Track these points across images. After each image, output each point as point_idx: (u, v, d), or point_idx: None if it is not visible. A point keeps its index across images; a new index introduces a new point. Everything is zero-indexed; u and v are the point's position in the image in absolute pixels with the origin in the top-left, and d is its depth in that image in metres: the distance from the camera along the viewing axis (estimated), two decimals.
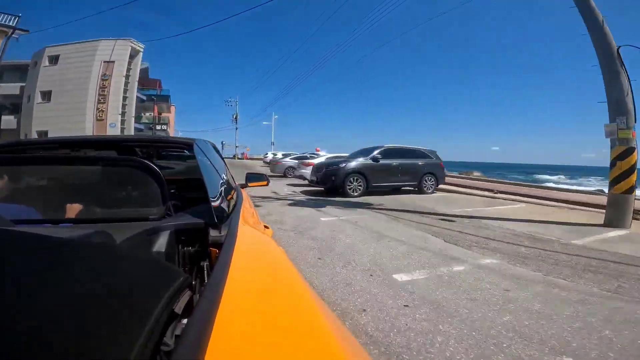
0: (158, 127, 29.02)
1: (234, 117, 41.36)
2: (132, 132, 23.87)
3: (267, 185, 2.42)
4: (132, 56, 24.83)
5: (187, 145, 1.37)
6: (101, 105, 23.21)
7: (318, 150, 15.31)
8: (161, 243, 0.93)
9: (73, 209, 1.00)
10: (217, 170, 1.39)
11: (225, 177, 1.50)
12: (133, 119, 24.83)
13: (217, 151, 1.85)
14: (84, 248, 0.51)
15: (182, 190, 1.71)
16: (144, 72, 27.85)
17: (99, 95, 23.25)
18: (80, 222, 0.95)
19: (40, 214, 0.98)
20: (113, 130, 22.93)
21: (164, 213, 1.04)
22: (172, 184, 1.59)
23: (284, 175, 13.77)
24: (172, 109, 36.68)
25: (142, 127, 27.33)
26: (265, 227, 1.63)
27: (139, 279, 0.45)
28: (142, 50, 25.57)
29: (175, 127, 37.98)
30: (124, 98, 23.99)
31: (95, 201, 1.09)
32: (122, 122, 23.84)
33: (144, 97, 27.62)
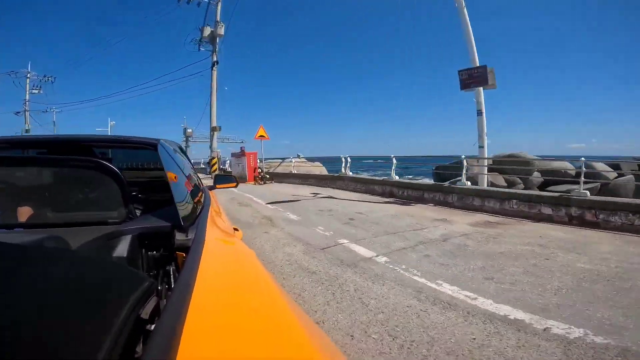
0: None
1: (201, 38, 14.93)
2: None
3: (235, 187, 2.36)
4: None
5: (151, 145, 1.33)
6: None
7: None
8: (122, 248, 0.91)
9: (24, 213, 0.96)
10: (182, 172, 1.36)
11: (191, 179, 1.49)
12: None
13: (184, 152, 1.80)
14: (37, 254, 0.49)
15: (146, 192, 1.71)
16: None
17: None
18: (32, 227, 0.92)
19: None
20: None
21: (125, 216, 1.01)
22: (135, 186, 1.62)
23: None
24: None
25: None
26: (235, 229, 1.61)
27: (100, 285, 0.44)
28: None
29: None
30: None
31: (48, 205, 1.04)
32: None
33: None
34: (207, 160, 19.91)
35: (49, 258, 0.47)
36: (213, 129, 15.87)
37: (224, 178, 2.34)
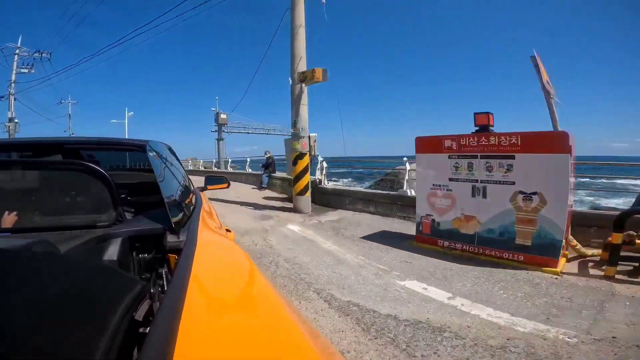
0: None
1: None
2: None
3: (227, 187, 2.23)
4: None
5: (139, 147, 1.28)
6: None
7: None
8: (112, 251, 0.89)
9: (10, 218, 0.93)
10: (173, 173, 1.35)
11: (182, 180, 1.46)
12: None
13: (174, 153, 1.77)
14: (27, 259, 0.48)
15: (136, 194, 1.65)
16: None
17: None
18: (20, 231, 0.90)
19: None
20: None
21: (114, 219, 1.00)
22: (124, 188, 1.55)
23: None
24: None
25: None
26: (227, 230, 1.58)
27: (92, 289, 0.43)
28: None
29: None
30: None
31: (36, 208, 1.02)
32: None
33: None
34: (264, 160, 10.25)
35: (39, 262, 0.46)
36: (302, 78, 5.61)
37: (215, 179, 2.20)
